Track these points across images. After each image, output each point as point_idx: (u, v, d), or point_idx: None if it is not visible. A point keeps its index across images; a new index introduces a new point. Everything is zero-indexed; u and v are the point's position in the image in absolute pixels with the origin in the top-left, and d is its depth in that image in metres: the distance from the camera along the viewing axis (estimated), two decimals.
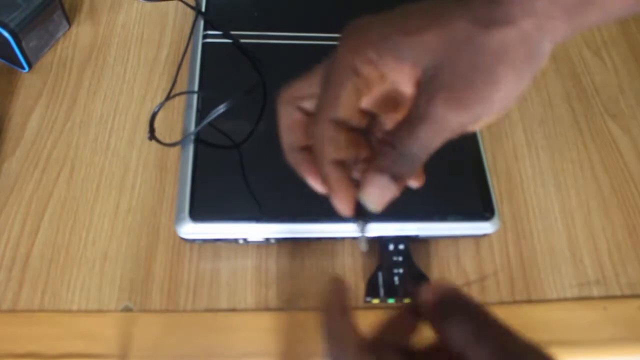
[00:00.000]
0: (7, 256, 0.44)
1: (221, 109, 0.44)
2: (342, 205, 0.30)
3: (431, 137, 0.27)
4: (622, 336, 0.44)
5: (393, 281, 0.43)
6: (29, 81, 0.54)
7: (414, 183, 0.32)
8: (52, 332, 0.42)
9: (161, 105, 0.46)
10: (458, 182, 0.47)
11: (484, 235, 0.47)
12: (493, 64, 0.27)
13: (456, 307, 0.26)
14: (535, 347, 0.24)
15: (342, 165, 0.30)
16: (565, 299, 0.46)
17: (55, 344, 0.41)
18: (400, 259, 0.44)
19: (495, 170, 0.51)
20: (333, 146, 0.30)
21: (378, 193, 0.28)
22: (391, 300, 0.43)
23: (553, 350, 0.23)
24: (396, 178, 0.28)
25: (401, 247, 0.45)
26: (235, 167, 0.46)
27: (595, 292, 0.46)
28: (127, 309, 0.43)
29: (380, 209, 0.29)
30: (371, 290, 0.43)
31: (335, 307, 0.29)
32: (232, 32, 0.53)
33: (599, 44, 0.61)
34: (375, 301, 0.43)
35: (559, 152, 0.53)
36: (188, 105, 0.49)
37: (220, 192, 0.45)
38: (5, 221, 0.46)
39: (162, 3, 0.60)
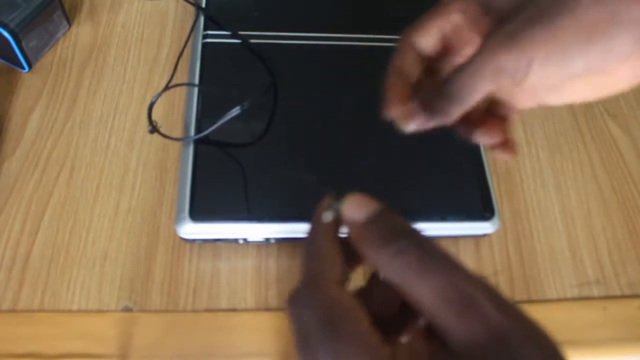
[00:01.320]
0: (7, 256, 0.44)
1: (236, 111, 0.44)
2: (392, 105, 0.31)
3: (472, 74, 0.27)
4: (622, 336, 0.44)
5: None
6: (29, 81, 0.54)
7: (504, 155, 0.33)
8: (52, 332, 0.42)
9: (159, 95, 0.46)
10: (458, 182, 0.47)
11: (484, 235, 0.47)
12: (556, 4, 0.25)
13: (392, 231, 0.23)
14: (486, 284, 0.22)
15: (404, 76, 0.32)
16: (565, 299, 0.46)
17: (55, 344, 0.41)
18: None
19: (495, 170, 0.51)
20: (400, 58, 0.32)
21: (407, 116, 0.30)
22: None
23: None
24: (428, 111, 0.29)
25: None
26: (236, 167, 0.46)
27: (595, 292, 0.46)
28: (127, 309, 0.43)
29: (406, 131, 0.31)
30: None
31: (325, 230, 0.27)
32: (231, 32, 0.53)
33: None
34: None
35: (559, 152, 0.53)
36: (188, 104, 0.49)
37: (220, 192, 0.45)
38: (5, 221, 0.46)
39: (162, 2, 0.60)
